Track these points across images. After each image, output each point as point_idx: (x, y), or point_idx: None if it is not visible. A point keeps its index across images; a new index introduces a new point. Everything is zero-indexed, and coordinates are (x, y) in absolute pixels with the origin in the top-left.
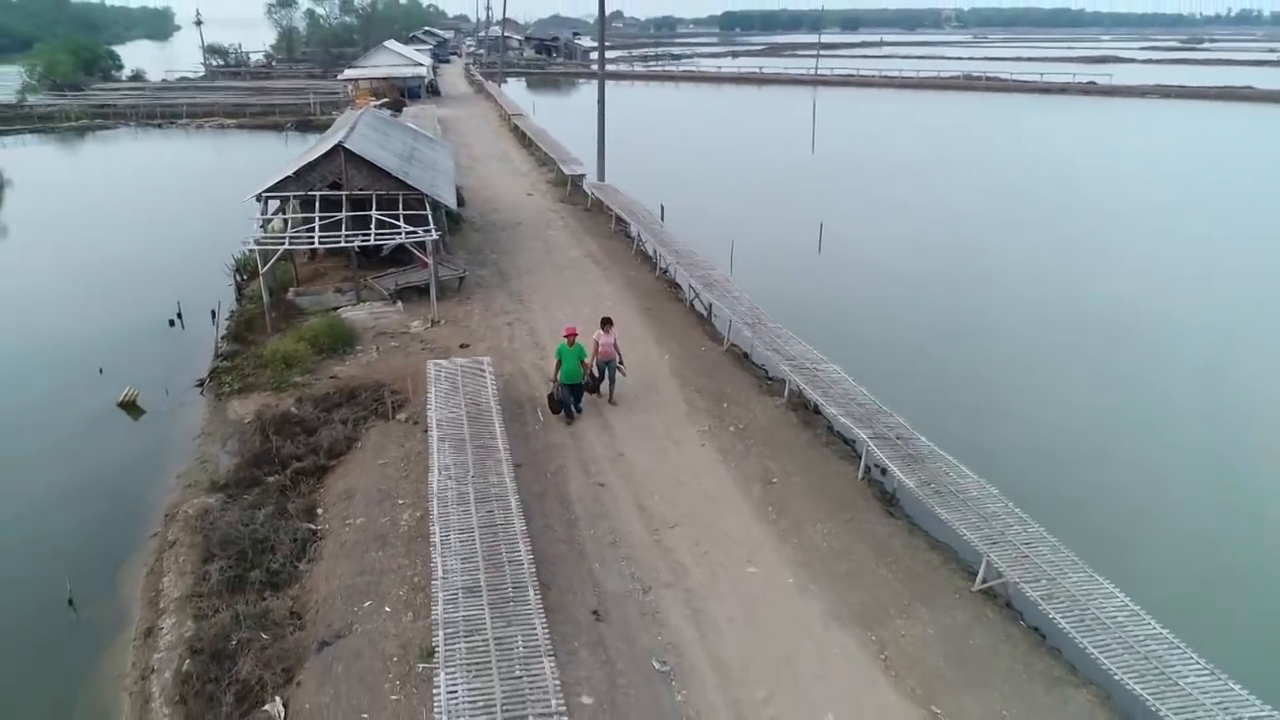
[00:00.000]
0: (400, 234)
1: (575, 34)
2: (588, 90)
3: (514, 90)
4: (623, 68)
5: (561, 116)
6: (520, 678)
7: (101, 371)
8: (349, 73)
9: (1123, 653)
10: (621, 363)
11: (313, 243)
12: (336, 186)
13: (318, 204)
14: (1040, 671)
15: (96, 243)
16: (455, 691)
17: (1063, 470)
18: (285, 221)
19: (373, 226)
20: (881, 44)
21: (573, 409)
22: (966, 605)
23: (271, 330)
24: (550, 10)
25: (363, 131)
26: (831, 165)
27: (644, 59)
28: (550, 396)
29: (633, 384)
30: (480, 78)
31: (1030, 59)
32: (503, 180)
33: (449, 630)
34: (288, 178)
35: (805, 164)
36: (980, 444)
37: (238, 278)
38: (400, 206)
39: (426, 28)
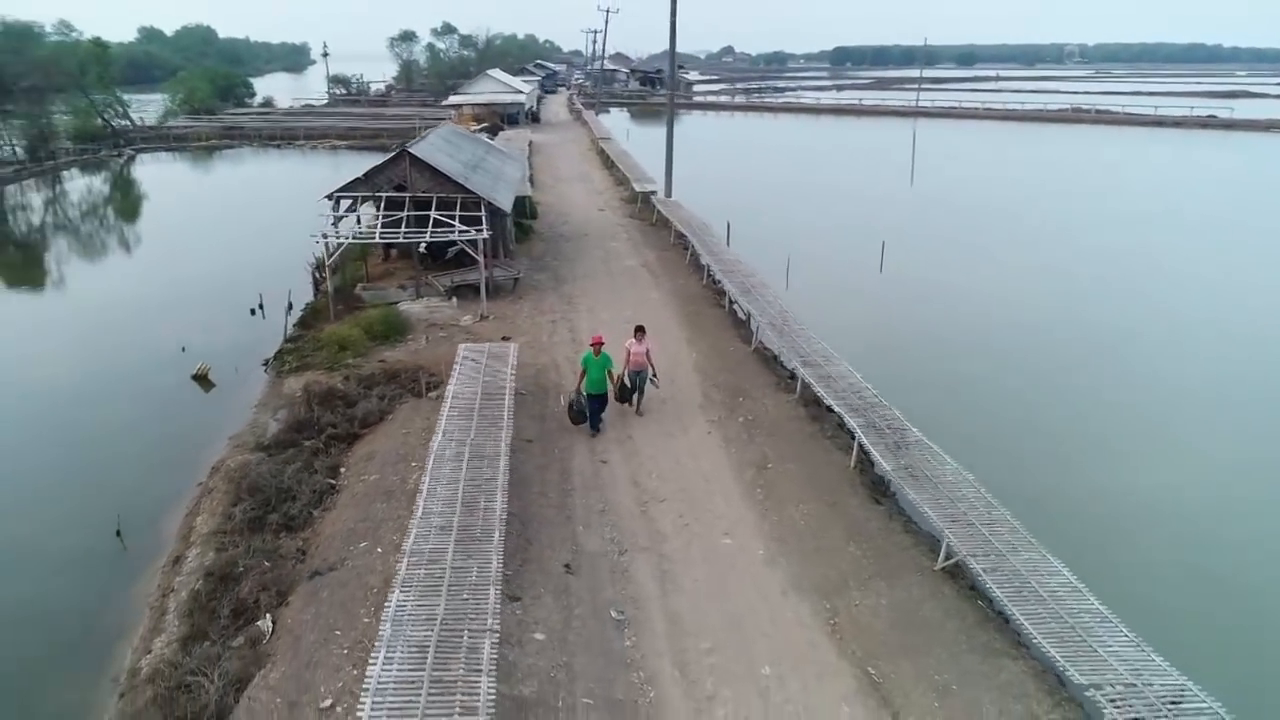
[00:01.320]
0: (454, 233)
1: (680, 67)
2: (688, 120)
3: (616, 120)
4: (724, 99)
5: (655, 143)
6: (466, 600)
7: (184, 350)
8: (453, 98)
9: (1051, 622)
10: (655, 375)
11: (374, 239)
12: (402, 189)
13: (382, 204)
14: (982, 644)
15: (204, 243)
16: (404, 606)
17: (1060, 473)
18: (357, 220)
19: (430, 226)
20: (997, 79)
21: (596, 420)
22: (926, 582)
23: (335, 319)
24: (661, 45)
25: (432, 140)
26: (929, 200)
27: (746, 92)
28: (569, 408)
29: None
30: (580, 107)
31: (1150, 93)
32: (579, 197)
33: (413, 559)
34: (357, 179)
35: (902, 197)
36: (981, 444)
37: (316, 274)
38: (458, 209)
39: (538, 60)
